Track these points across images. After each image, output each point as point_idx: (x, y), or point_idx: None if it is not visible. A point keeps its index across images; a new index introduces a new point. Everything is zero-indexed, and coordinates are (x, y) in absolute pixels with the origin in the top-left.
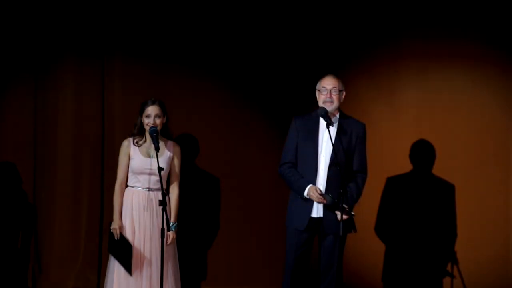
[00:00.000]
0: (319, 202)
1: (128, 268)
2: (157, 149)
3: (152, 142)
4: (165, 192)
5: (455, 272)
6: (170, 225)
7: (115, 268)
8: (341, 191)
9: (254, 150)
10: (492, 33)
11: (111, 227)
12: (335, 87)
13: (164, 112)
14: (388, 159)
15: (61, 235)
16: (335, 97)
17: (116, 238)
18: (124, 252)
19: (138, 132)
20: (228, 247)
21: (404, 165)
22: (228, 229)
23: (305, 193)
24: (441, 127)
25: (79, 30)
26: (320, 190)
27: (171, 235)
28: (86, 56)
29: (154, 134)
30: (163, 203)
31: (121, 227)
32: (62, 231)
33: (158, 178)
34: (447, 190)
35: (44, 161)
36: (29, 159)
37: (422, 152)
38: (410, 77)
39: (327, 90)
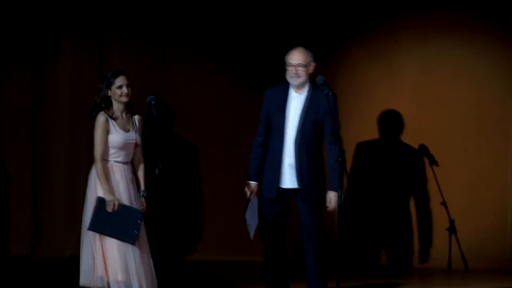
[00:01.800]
0: (247, 197)
1: (132, 238)
2: (155, 116)
3: (124, 114)
4: (159, 165)
5: (453, 240)
6: (143, 193)
7: (96, 243)
8: (340, 159)
9: (249, 121)
10: (492, 4)
11: (108, 200)
12: (300, 63)
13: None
14: (384, 128)
15: (59, 204)
16: (301, 72)
17: (116, 209)
18: (126, 221)
19: (106, 106)
20: (219, 217)
21: (399, 134)
22: (220, 198)
23: (249, 182)
24: (440, 97)
25: (79, 6)
26: (255, 189)
27: (144, 202)
28: (85, 32)
29: (153, 102)
30: (159, 170)
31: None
32: (61, 200)
33: (132, 152)
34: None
35: (43, 132)
36: (28, 131)
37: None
38: (409, 47)
39: (293, 66)
